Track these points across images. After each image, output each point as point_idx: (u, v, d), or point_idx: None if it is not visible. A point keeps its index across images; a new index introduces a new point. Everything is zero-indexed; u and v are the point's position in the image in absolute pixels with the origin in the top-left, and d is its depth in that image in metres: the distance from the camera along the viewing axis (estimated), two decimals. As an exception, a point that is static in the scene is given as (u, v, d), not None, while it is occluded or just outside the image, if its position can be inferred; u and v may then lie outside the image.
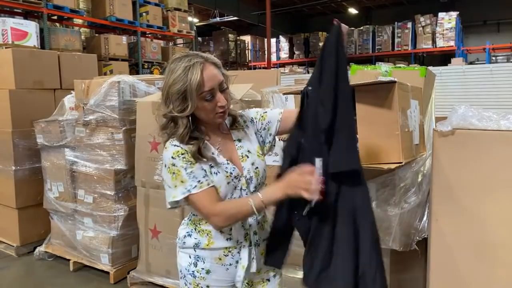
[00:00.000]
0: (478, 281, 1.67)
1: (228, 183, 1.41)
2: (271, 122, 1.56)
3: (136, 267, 3.07)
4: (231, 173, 1.43)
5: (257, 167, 1.49)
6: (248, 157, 1.49)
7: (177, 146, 1.38)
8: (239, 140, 1.52)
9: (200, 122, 1.44)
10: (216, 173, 1.41)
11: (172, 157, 1.37)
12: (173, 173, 1.37)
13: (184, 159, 1.36)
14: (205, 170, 1.39)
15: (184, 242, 1.50)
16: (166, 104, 1.38)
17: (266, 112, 1.58)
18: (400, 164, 1.72)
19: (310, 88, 1.39)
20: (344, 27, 1.37)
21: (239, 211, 1.35)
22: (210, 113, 1.39)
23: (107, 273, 3.16)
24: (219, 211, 1.35)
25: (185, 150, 1.37)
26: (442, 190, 1.72)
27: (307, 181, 1.25)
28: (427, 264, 1.85)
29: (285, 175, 1.34)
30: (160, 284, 2.91)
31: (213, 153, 1.43)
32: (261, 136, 1.57)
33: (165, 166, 1.40)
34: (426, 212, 2.09)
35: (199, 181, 1.36)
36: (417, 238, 2.03)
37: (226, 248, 1.47)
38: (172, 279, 2.82)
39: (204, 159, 1.39)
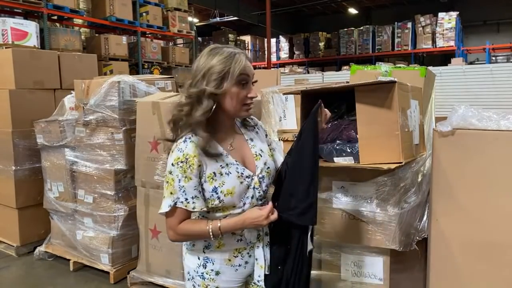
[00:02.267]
0: (478, 281, 1.67)
1: (241, 182, 1.42)
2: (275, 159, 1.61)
3: (136, 267, 3.07)
4: (242, 173, 1.43)
5: (268, 167, 1.51)
6: (261, 156, 1.51)
7: (181, 151, 1.36)
8: (251, 140, 1.53)
9: (216, 120, 1.42)
10: (228, 174, 1.40)
11: (172, 164, 1.36)
12: (167, 182, 1.37)
13: (181, 169, 1.34)
14: (197, 189, 1.37)
15: (194, 245, 1.49)
16: (198, 84, 1.38)
17: (273, 145, 1.66)
18: (400, 164, 1.72)
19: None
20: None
21: (197, 235, 1.42)
22: (239, 102, 1.39)
23: (107, 273, 3.16)
24: (180, 231, 1.40)
25: (186, 158, 1.34)
26: (442, 190, 1.72)
27: (262, 217, 1.37)
28: (427, 264, 1.85)
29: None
30: (160, 284, 2.91)
31: (221, 154, 1.42)
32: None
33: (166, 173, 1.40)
34: (426, 212, 2.09)
35: (186, 199, 1.36)
36: (417, 238, 2.03)
37: (236, 249, 1.48)
38: (172, 279, 2.82)
39: (210, 155, 1.38)
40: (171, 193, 1.36)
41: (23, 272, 3.44)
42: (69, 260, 3.39)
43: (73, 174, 3.35)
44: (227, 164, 1.41)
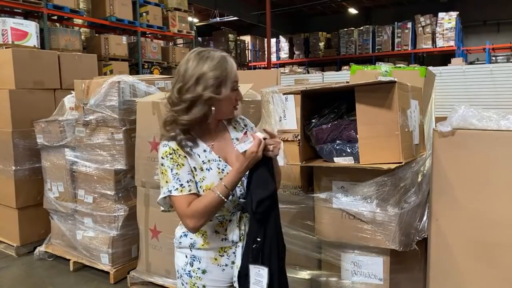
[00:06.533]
0: (478, 281, 1.67)
1: (221, 179, 1.43)
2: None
3: (136, 267, 3.07)
4: (222, 169, 1.46)
5: None
6: None
7: (166, 145, 1.43)
8: (237, 139, 1.55)
9: (204, 121, 1.45)
10: (208, 169, 1.44)
11: (162, 157, 1.43)
12: (162, 172, 1.43)
13: (172, 160, 1.41)
14: (192, 172, 1.42)
15: (180, 242, 1.53)
16: (191, 89, 1.38)
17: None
18: (400, 164, 1.72)
19: None
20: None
21: (208, 205, 1.37)
22: (231, 104, 1.47)
23: (107, 273, 3.16)
24: (191, 213, 1.37)
25: (173, 150, 1.41)
26: (442, 190, 1.72)
27: (257, 147, 1.34)
28: (427, 264, 1.85)
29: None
30: (160, 284, 2.91)
31: (205, 150, 1.47)
32: None
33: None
34: (426, 212, 2.09)
35: (182, 185, 1.39)
36: (417, 238, 2.03)
37: (221, 248, 1.49)
38: (172, 279, 2.82)
39: (189, 153, 1.42)
40: (167, 181, 1.41)
41: (23, 272, 3.44)
42: (69, 260, 3.39)
43: (73, 174, 3.35)
44: (209, 160, 1.45)
